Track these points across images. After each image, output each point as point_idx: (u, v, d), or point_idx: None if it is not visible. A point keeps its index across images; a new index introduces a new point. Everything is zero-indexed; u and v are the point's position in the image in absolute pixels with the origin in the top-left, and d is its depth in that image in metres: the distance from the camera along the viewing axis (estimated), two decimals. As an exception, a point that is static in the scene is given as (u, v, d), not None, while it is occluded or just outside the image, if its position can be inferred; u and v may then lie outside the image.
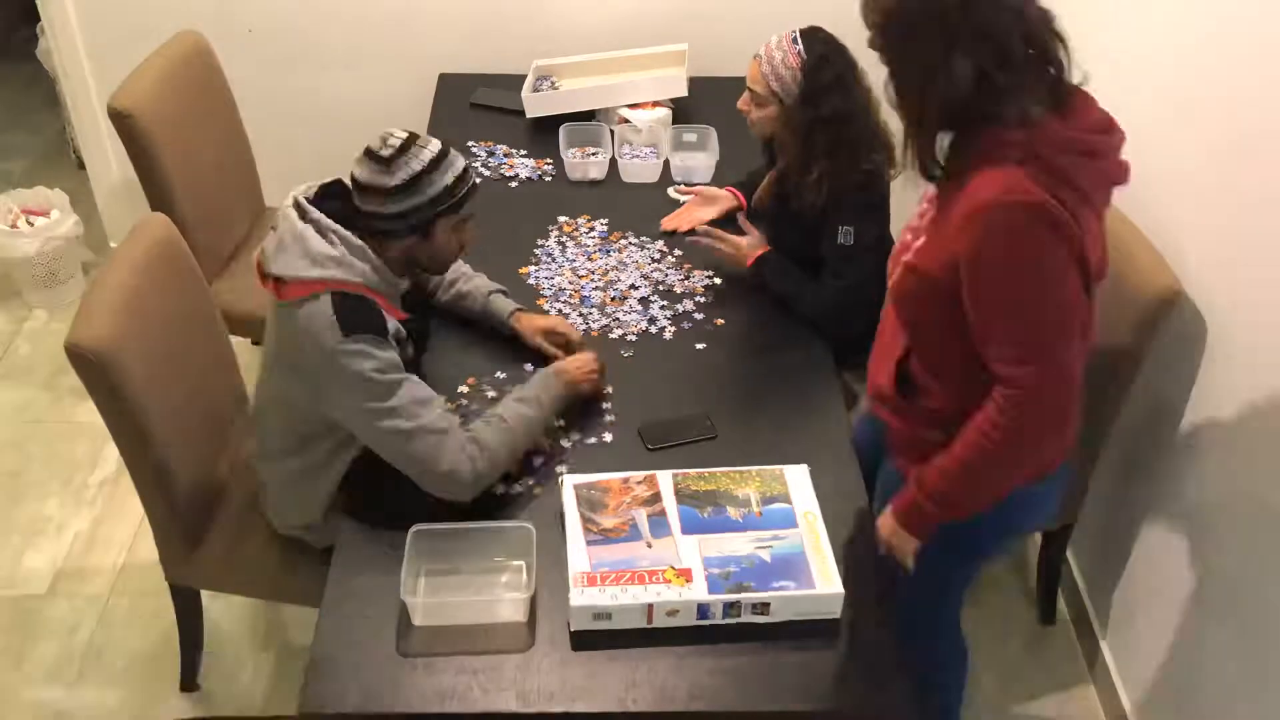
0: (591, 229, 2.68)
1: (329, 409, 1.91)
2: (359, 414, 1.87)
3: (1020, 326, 1.55)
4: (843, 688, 1.72)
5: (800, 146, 2.32)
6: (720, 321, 2.41)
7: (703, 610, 1.76)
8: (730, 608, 1.76)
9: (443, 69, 3.33)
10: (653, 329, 2.38)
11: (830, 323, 2.36)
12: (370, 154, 1.89)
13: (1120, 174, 1.61)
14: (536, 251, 2.60)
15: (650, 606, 1.75)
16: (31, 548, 2.84)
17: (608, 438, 2.11)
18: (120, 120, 2.53)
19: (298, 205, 1.91)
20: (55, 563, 2.80)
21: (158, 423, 2.06)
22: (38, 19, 3.45)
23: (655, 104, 3.06)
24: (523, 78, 3.16)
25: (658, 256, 2.59)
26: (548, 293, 2.47)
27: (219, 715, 2.46)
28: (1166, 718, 2.30)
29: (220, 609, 2.65)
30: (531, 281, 2.50)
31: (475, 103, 3.21)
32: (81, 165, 3.73)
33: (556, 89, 3.17)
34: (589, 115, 3.09)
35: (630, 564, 1.80)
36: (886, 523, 1.83)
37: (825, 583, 1.77)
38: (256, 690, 2.52)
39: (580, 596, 1.74)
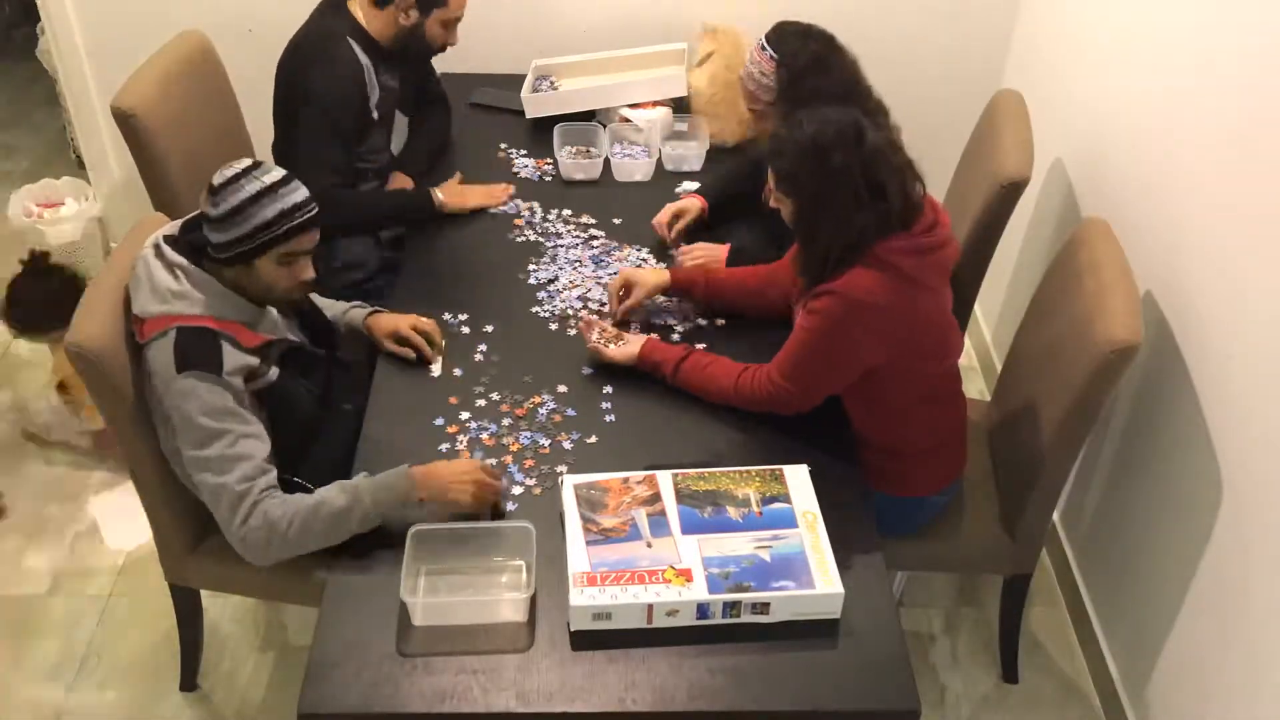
0: (593, 228, 2.69)
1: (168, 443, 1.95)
2: (178, 453, 1.92)
3: (798, 362, 2.09)
4: (843, 688, 1.72)
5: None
6: (721, 322, 2.41)
7: (702, 610, 1.76)
8: (730, 608, 1.76)
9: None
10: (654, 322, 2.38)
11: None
12: (209, 183, 1.92)
13: (950, 257, 2.10)
14: (537, 251, 2.60)
15: (650, 606, 1.75)
16: (32, 547, 2.84)
17: (608, 438, 2.11)
18: (124, 120, 2.53)
19: (156, 245, 1.96)
20: (55, 562, 2.80)
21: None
22: (38, 18, 3.45)
23: (655, 103, 3.06)
24: (522, 78, 3.15)
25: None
26: (548, 292, 2.47)
27: None
28: (1164, 711, 2.30)
29: (220, 609, 2.65)
30: (532, 282, 2.50)
31: (475, 102, 3.21)
32: (82, 165, 3.74)
33: (556, 89, 3.17)
34: (589, 115, 3.09)
35: (630, 564, 1.80)
36: (639, 348, 2.21)
37: (825, 583, 1.77)
38: (256, 690, 2.52)
39: (580, 596, 1.74)
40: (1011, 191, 2.45)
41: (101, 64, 3.39)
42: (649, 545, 1.83)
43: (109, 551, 2.82)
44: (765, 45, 2.33)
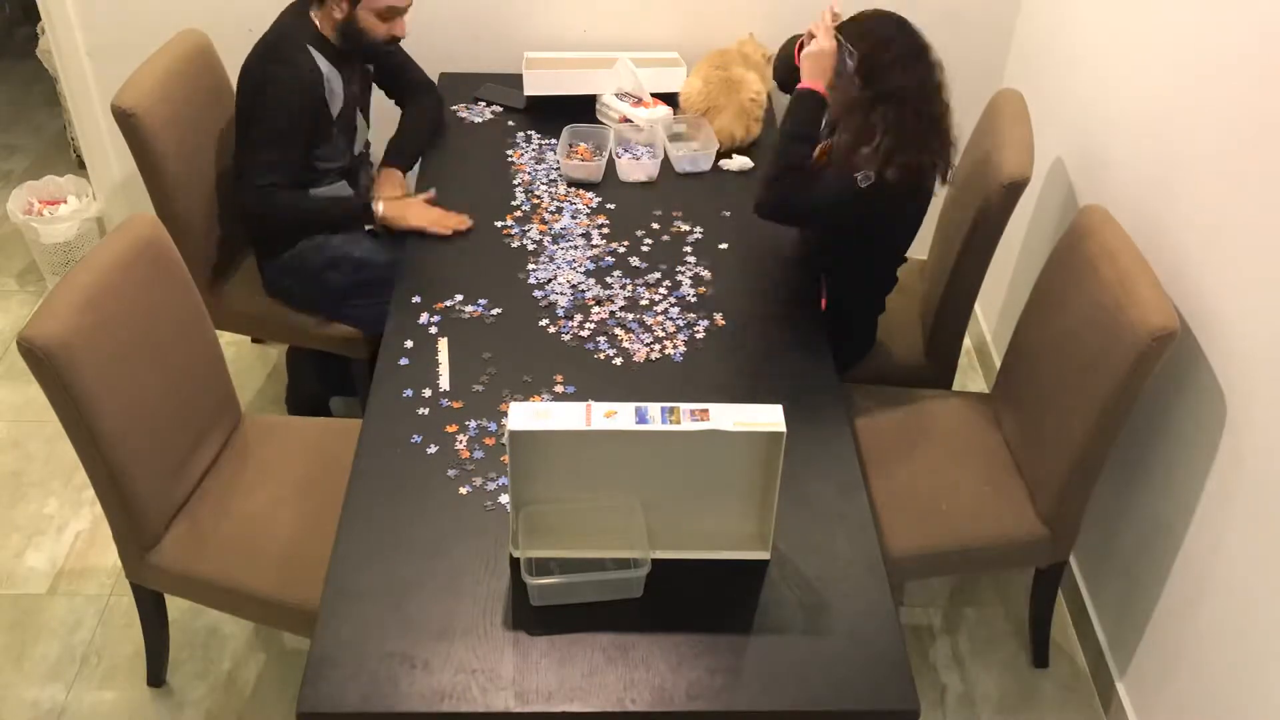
0: (593, 226, 2.69)
1: None
2: None
3: None
4: (842, 688, 1.72)
5: (859, 120, 2.29)
6: (721, 321, 2.41)
7: (641, 414, 1.73)
8: (669, 412, 1.73)
9: (443, 68, 3.33)
10: (653, 323, 2.38)
11: (767, 197, 2.38)
12: None
13: None
14: (536, 249, 2.60)
15: (589, 406, 1.72)
16: (32, 547, 2.84)
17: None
18: (124, 119, 2.53)
19: None
20: (55, 562, 2.81)
21: (113, 422, 2.01)
22: (38, 18, 3.45)
23: (656, 102, 3.06)
24: (522, 77, 3.16)
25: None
26: (547, 292, 2.47)
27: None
28: (1165, 711, 2.30)
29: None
30: (531, 281, 2.50)
31: (478, 97, 3.22)
32: (82, 164, 3.74)
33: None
34: (589, 115, 3.09)
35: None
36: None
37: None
38: (255, 690, 2.52)
39: (519, 410, 1.73)
40: (1012, 191, 2.45)
41: (101, 64, 3.39)
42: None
43: (109, 551, 2.83)
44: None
